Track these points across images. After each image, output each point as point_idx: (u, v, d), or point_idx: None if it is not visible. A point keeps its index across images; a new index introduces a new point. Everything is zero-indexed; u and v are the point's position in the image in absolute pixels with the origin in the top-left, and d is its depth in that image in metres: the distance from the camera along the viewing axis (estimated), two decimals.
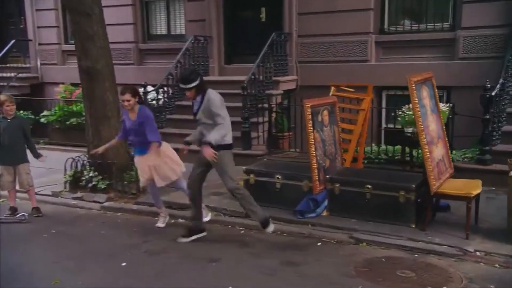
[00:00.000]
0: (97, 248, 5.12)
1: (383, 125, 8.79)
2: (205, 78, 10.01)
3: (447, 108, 6.59)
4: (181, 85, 5.12)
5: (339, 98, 7.06)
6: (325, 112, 5.89)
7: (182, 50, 9.79)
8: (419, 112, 4.92)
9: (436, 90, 5.61)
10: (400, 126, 7.08)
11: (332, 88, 7.32)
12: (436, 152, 5.07)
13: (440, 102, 8.35)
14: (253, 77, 8.60)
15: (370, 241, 4.97)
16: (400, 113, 6.84)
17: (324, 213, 5.57)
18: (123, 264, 4.68)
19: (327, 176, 5.59)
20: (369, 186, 5.30)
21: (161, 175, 5.51)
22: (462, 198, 4.85)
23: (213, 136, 4.87)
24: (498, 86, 6.59)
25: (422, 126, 4.92)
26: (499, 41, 7.98)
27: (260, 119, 8.66)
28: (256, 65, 8.74)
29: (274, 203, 5.81)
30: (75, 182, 7.10)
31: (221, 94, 9.17)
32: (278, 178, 5.83)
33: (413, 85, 4.95)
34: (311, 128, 5.56)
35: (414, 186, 5.11)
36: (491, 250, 4.57)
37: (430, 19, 8.73)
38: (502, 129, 6.82)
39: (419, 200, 5.16)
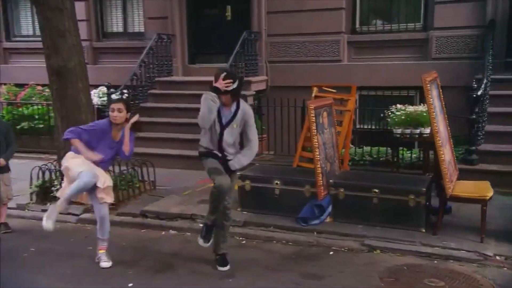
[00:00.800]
0: (91, 267, 4.60)
1: (357, 126, 8.71)
2: (169, 79, 9.77)
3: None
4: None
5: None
6: (325, 114, 5.67)
7: (146, 48, 9.27)
8: (434, 113, 4.80)
9: (441, 90, 5.51)
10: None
11: (315, 89, 7.10)
12: (447, 154, 4.96)
13: (413, 102, 8.51)
14: None
15: (383, 248, 4.78)
16: (390, 113, 6.72)
17: (328, 220, 5.34)
18: (130, 285, 4.21)
19: (331, 181, 5.35)
20: (376, 190, 5.12)
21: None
22: (478, 200, 4.77)
23: (246, 161, 4.45)
24: (482, 86, 6.63)
25: (437, 128, 4.79)
26: (471, 42, 8.10)
27: None
28: (229, 65, 8.38)
29: (273, 211, 5.52)
30: (44, 193, 6.46)
31: (189, 95, 9.04)
32: (277, 183, 5.54)
33: (428, 84, 4.81)
34: (315, 130, 5.31)
35: (424, 189, 4.98)
36: (510, 254, 4.50)
37: (402, 20, 8.75)
38: (485, 129, 6.88)
39: (427, 203, 5.04)
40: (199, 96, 8.73)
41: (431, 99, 4.81)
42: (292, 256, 4.74)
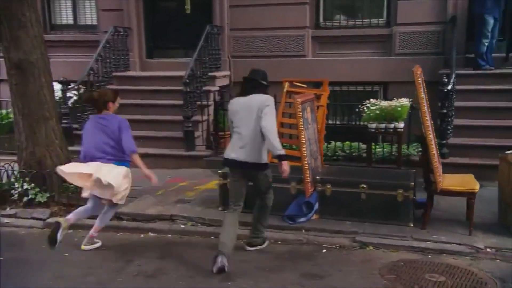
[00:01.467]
0: (75, 276, 4.25)
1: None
2: (126, 74, 9.34)
3: (409, 102, 6.60)
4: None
5: (294, 94, 6.75)
6: (308, 109, 5.54)
7: (102, 42, 8.81)
8: (424, 108, 4.79)
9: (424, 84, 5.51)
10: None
11: (286, 84, 6.98)
12: (435, 148, 4.98)
13: (377, 97, 8.58)
14: (191, 72, 7.96)
15: (376, 244, 4.73)
16: (364, 108, 6.71)
17: (314, 217, 5.23)
18: None
19: (318, 177, 5.25)
20: (364, 186, 5.07)
21: None
22: (467, 194, 4.81)
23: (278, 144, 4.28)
24: (452, 81, 6.75)
25: (428, 122, 4.79)
26: (433, 37, 8.26)
27: (201, 118, 8.08)
28: (194, 60, 8.11)
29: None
30: (3, 197, 5.97)
31: (147, 91, 8.68)
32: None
33: (419, 78, 4.80)
34: (302, 126, 5.18)
35: (413, 184, 4.98)
36: (499, 246, 4.57)
37: (366, 15, 8.79)
38: (453, 123, 7.01)
39: (415, 197, 5.05)
40: (157, 92, 8.66)
41: (422, 94, 4.80)
42: (285, 256, 4.60)
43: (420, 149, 7.01)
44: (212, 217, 5.32)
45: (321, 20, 8.96)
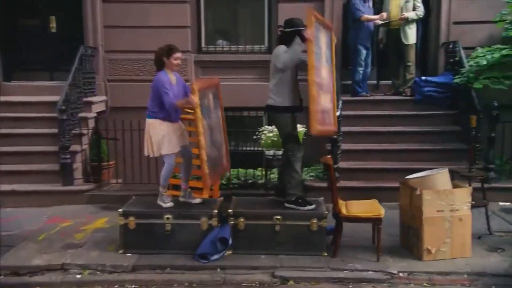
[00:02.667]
0: None
1: None
2: None
3: (304, 129, 6.63)
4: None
5: (187, 121, 6.43)
6: (211, 96, 5.32)
7: None
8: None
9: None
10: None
11: None
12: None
13: (262, 123, 8.60)
14: (66, 97, 7.19)
15: (296, 278, 4.56)
16: (261, 135, 6.59)
17: (228, 253, 4.92)
18: None
19: (230, 211, 4.95)
20: (279, 217, 4.90)
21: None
22: (374, 219, 4.87)
23: None
24: (339, 107, 6.94)
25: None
26: None
27: (79, 147, 7.31)
28: (68, 84, 7.35)
29: (165, 249, 4.90)
30: None
31: (13, 118, 7.65)
32: (167, 218, 4.91)
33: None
34: (200, 114, 4.89)
35: (327, 212, 4.93)
36: (410, 269, 4.67)
37: (247, 41, 8.79)
38: (342, 148, 7.21)
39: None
40: (20, 119, 7.65)
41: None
42: None
43: (312, 174, 7.20)
44: (114, 262, 4.73)
45: (203, 44, 8.75)
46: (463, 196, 4.81)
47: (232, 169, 7.19)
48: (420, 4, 7.80)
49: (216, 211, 4.93)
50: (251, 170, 7.12)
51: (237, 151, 7.85)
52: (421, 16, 7.80)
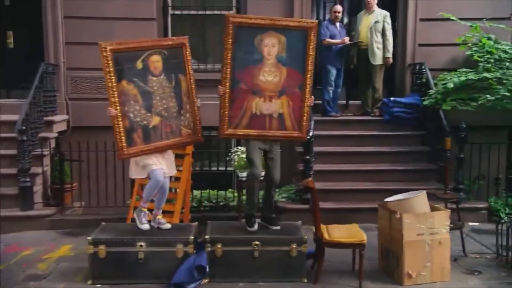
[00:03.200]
0: None
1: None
2: None
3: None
4: None
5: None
6: (155, 58, 4.90)
7: None
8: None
9: None
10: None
11: None
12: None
13: (231, 144, 8.44)
14: (25, 117, 6.83)
15: None
16: (233, 155, 6.43)
17: (205, 281, 4.70)
18: None
19: (207, 237, 4.74)
20: (257, 243, 4.74)
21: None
22: (357, 245, 4.77)
23: None
24: (311, 127, 6.88)
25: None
26: None
27: (39, 169, 6.94)
28: (29, 102, 7.00)
29: (138, 278, 4.65)
30: None
31: None
32: (141, 245, 4.65)
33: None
34: (112, 78, 4.65)
35: (306, 237, 4.81)
36: None
37: (216, 60, 8.63)
38: (314, 168, 7.13)
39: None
40: None
41: None
42: None
43: (284, 196, 7.08)
44: None
45: None
46: (443, 219, 4.79)
47: (202, 191, 7.01)
48: (389, 28, 7.86)
49: (192, 237, 4.72)
50: (222, 192, 6.93)
51: (205, 171, 7.65)
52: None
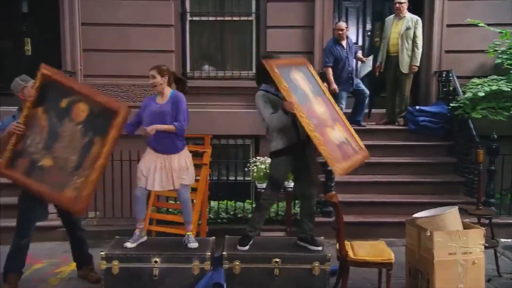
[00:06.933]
0: None
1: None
2: None
3: None
4: None
5: None
6: (82, 107, 4.51)
7: None
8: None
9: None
10: None
11: None
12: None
13: (249, 151, 8.26)
14: None
15: None
16: (252, 166, 6.21)
17: None
18: None
19: (225, 253, 4.51)
20: (278, 260, 4.49)
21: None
22: (384, 264, 4.48)
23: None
24: None
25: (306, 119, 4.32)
26: None
27: None
28: None
29: None
30: None
31: None
32: (155, 262, 4.44)
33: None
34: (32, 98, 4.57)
35: (329, 255, 4.54)
36: None
37: (234, 67, 8.49)
38: (335, 179, 6.87)
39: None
40: None
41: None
42: None
43: None
44: None
45: (188, 69, 8.40)
46: (477, 237, 4.48)
47: (219, 201, 6.81)
48: (420, 34, 7.55)
49: (209, 253, 4.49)
50: (240, 203, 6.70)
51: (223, 181, 7.43)
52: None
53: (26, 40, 8.46)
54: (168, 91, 4.75)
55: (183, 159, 4.68)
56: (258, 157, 6.30)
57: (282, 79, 4.29)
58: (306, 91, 4.66)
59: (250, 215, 6.59)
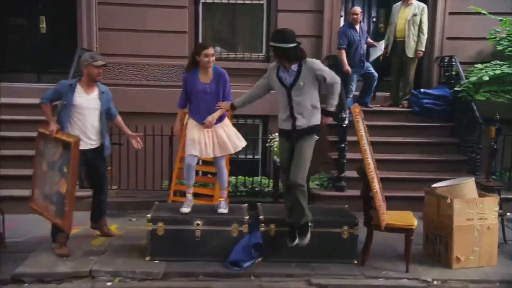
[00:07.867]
0: None
1: None
2: None
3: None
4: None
5: None
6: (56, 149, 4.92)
7: None
8: (365, 146, 4.78)
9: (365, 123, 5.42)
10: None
11: (186, 116, 6.46)
12: (377, 186, 4.98)
13: (258, 131, 8.56)
14: None
15: (335, 286, 4.51)
16: (272, 143, 6.53)
17: (258, 260, 4.80)
18: None
19: (261, 217, 4.85)
20: (310, 224, 4.83)
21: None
22: (406, 230, 4.84)
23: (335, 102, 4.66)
24: (347, 116, 6.97)
25: (368, 160, 4.79)
26: None
27: None
28: None
29: (194, 256, 4.75)
30: None
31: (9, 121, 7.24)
32: (197, 224, 4.75)
33: (358, 116, 4.80)
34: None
35: (358, 220, 4.91)
36: (442, 277, 4.67)
37: (245, 49, 8.75)
38: (347, 157, 7.22)
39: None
40: (15, 122, 7.22)
41: (362, 132, 4.82)
42: None
43: (317, 183, 7.18)
44: (143, 269, 4.54)
45: None
46: (492, 205, 4.91)
47: (236, 176, 7.11)
48: (426, 21, 7.91)
49: (247, 217, 4.82)
50: (257, 178, 7.03)
51: (236, 159, 7.72)
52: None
53: (41, 19, 8.57)
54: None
55: (227, 127, 4.99)
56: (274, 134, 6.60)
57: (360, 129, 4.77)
58: (365, 141, 5.00)
59: (266, 189, 6.92)
